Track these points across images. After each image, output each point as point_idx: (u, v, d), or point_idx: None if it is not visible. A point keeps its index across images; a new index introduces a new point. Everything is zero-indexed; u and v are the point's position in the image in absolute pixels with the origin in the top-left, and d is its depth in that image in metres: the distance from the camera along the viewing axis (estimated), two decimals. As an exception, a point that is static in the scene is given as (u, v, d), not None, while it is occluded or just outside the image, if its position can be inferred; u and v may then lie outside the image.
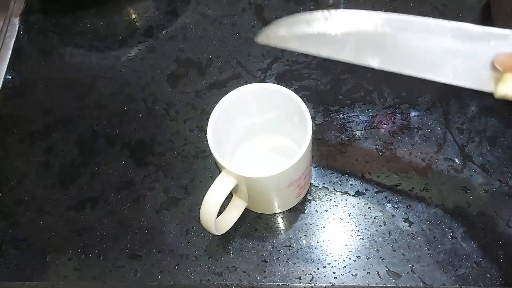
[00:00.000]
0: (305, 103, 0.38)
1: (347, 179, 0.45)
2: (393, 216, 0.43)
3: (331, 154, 0.46)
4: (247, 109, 0.41)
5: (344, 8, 0.55)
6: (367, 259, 0.41)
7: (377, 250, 0.42)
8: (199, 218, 0.39)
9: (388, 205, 0.43)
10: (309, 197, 0.44)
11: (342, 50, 0.34)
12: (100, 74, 0.54)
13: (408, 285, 0.40)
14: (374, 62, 0.33)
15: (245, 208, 0.43)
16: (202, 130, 0.49)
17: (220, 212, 0.40)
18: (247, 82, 0.51)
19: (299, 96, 0.38)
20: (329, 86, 0.51)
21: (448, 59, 0.31)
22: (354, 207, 0.44)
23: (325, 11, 0.34)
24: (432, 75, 0.32)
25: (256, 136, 0.46)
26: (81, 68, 0.55)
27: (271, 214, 0.44)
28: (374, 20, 0.33)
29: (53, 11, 0.59)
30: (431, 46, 0.32)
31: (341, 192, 0.44)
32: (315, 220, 0.43)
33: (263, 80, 0.51)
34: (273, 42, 0.37)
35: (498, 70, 0.30)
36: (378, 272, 0.41)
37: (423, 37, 0.32)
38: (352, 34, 0.33)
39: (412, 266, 0.41)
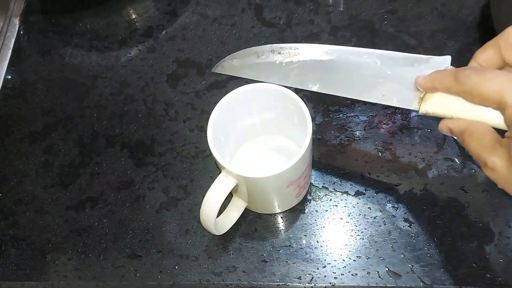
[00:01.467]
0: (305, 103, 0.38)
1: (347, 179, 0.45)
2: (393, 216, 0.43)
3: (331, 154, 0.46)
4: (247, 109, 0.41)
5: (343, 8, 0.55)
6: (367, 259, 0.41)
7: (377, 250, 0.42)
8: (199, 218, 0.39)
9: (388, 205, 0.43)
10: (309, 197, 0.44)
11: (288, 78, 0.39)
12: (100, 74, 0.54)
13: (408, 285, 0.40)
14: (315, 88, 0.38)
15: (245, 208, 0.43)
16: (202, 130, 0.49)
17: (220, 212, 0.40)
18: (247, 82, 0.51)
19: (299, 96, 0.38)
20: (329, 86, 0.51)
21: (377, 83, 0.36)
22: (354, 207, 0.44)
23: (272, 45, 0.40)
24: (364, 97, 0.37)
25: (256, 136, 0.46)
26: (81, 68, 0.55)
27: (271, 214, 0.44)
28: (314, 52, 0.38)
29: (53, 11, 0.59)
30: (362, 72, 0.37)
31: (341, 192, 0.44)
32: (315, 220, 0.43)
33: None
34: (228, 72, 0.42)
35: (420, 90, 0.34)
36: (378, 272, 0.41)
37: (355, 65, 0.37)
38: (295, 64, 0.39)
39: (412, 266, 0.41)
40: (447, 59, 0.34)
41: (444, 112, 0.33)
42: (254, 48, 0.41)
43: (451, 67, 0.34)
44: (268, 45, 0.40)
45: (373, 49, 0.37)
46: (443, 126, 0.34)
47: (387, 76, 0.36)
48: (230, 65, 0.43)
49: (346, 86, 0.37)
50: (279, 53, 0.40)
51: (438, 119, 0.47)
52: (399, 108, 0.48)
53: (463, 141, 0.32)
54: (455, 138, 0.34)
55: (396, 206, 0.43)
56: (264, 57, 0.41)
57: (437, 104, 0.34)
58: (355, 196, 0.44)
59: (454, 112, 0.33)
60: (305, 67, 0.39)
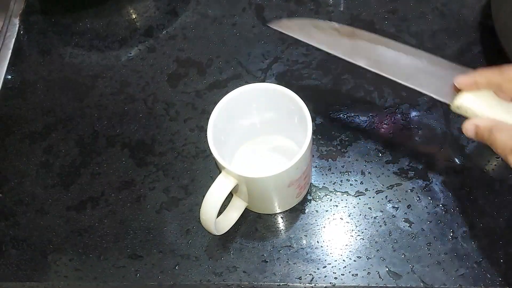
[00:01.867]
0: (305, 103, 0.38)
1: (347, 179, 0.45)
2: (393, 216, 0.43)
3: (331, 154, 0.46)
4: (247, 109, 0.41)
5: (344, 8, 0.55)
6: (367, 259, 0.41)
7: (378, 250, 0.42)
8: (199, 218, 0.39)
9: (388, 205, 0.43)
10: (309, 197, 0.44)
11: (338, 48, 0.42)
12: (100, 74, 0.54)
13: (408, 285, 0.40)
14: (362, 62, 0.41)
15: (245, 208, 0.43)
16: (202, 130, 0.49)
17: (220, 212, 0.39)
18: (247, 82, 0.51)
19: (299, 96, 0.38)
20: (329, 86, 0.51)
21: (419, 74, 0.39)
22: (354, 207, 0.44)
23: (331, 22, 0.43)
24: (404, 81, 0.39)
25: (256, 136, 0.46)
26: (81, 68, 0.55)
27: (271, 214, 0.44)
28: (368, 36, 0.42)
29: (53, 11, 0.59)
30: (408, 62, 0.40)
31: (341, 192, 0.44)
32: (316, 220, 0.43)
33: (263, 80, 0.51)
34: (283, 29, 0.44)
35: (456, 88, 0.37)
36: (378, 272, 0.41)
37: (403, 55, 0.40)
38: (348, 41, 0.42)
39: (413, 266, 0.41)
40: None
41: (474, 109, 0.36)
42: (313, 20, 0.44)
43: None
44: (328, 21, 0.43)
45: (422, 51, 0.40)
46: (468, 125, 0.36)
47: (429, 71, 0.39)
48: (287, 25, 0.44)
49: (391, 69, 0.40)
50: (336, 29, 0.43)
51: (438, 118, 0.47)
52: (399, 108, 0.48)
53: (490, 136, 0.34)
54: (476, 139, 0.36)
55: (396, 206, 0.43)
56: (321, 29, 0.43)
57: (470, 101, 0.36)
58: (356, 196, 0.44)
59: (484, 109, 0.35)
60: (357, 45, 0.42)
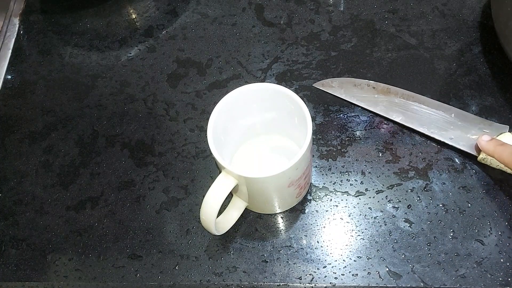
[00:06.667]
0: (305, 103, 0.38)
1: (347, 179, 0.45)
2: (394, 216, 0.43)
3: (331, 154, 0.46)
4: (247, 109, 0.41)
5: (344, 8, 0.55)
6: (367, 259, 0.41)
7: (378, 250, 0.41)
8: (199, 218, 0.39)
9: (388, 205, 0.43)
10: (309, 197, 0.44)
11: (376, 106, 0.47)
12: (100, 74, 0.54)
13: (408, 285, 0.40)
14: (398, 119, 0.46)
15: (245, 208, 0.43)
16: (202, 130, 0.49)
17: (220, 212, 0.39)
18: (247, 82, 0.51)
19: (299, 96, 0.38)
20: (329, 86, 0.50)
21: (449, 128, 0.45)
22: (354, 207, 0.44)
23: (368, 81, 0.48)
24: (437, 135, 0.45)
25: (256, 136, 0.46)
26: (81, 68, 0.55)
27: (271, 214, 0.44)
28: (402, 93, 0.47)
29: (53, 11, 0.59)
30: (438, 117, 0.46)
31: (341, 192, 0.44)
32: (316, 220, 0.43)
33: (263, 80, 0.51)
34: (326, 89, 0.49)
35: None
36: (378, 272, 0.41)
37: (433, 111, 0.46)
38: (384, 98, 0.47)
39: (413, 266, 0.41)
40: (506, 127, 0.44)
41: (496, 161, 0.42)
42: (352, 79, 0.49)
43: (509, 133, 0.43)
44: (365, 80, 0.48)
45: (450, 106, 0.46)
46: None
47: (457, 126, 0.45)
48: (329, 84, 0.49)
49: (424, 124, 0.46)
50: (373, 87, 0.48)
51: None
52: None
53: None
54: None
55: (396, 206, 0.43)
56: (360, 87, 0.48)
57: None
58: (356, 196, 0.44)
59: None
60: (392, 102, 0.47)
